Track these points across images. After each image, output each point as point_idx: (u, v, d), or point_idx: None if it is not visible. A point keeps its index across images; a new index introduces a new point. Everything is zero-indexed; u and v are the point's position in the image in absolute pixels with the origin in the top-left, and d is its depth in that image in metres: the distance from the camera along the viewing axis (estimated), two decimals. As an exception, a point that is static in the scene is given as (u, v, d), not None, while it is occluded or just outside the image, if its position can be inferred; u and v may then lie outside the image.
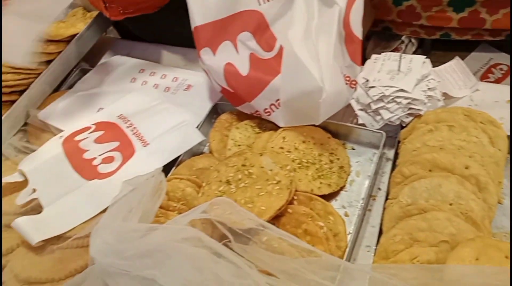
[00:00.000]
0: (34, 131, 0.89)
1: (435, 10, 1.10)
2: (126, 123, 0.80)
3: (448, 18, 1.10)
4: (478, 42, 1.16)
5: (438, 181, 0.57)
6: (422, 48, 1.31)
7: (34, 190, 0.73)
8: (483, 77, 1.00)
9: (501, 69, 1.12)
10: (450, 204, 0.56)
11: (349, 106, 0.73)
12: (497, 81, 1.00)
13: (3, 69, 0.90)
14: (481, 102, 0.74)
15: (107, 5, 0.85)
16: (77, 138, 0.76)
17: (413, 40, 1.25)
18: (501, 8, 1.04)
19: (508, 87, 0.84)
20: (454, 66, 0.78)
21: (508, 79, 1.02)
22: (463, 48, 1.15)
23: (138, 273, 0.47)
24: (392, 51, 1.28)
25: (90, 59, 1.03)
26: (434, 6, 1.10)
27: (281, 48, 0.73)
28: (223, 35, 0.74)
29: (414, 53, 1.27)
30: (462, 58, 0.86)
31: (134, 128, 0.80)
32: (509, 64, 1.13)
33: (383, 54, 0.74)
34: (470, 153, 0.60)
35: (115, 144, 0.78)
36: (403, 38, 1.24)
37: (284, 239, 0.55)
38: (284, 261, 0.50)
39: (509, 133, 0.64)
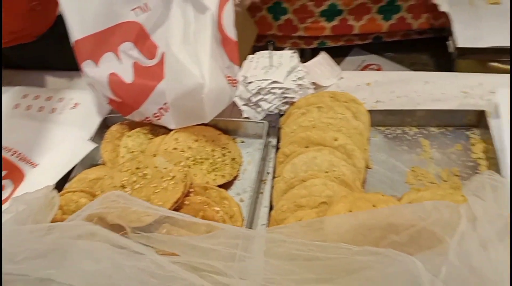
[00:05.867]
0: None
1: (310, 21, 1.22)
2: (9, 152, 0.79)
3: (321, 27, 1.22)
4: (351, 47, 1.30)
5: (313, 154, 0.65)
6: (304, 58, 1.42)
7: None
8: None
9: (372, 69, 1.27)
10: (326, 172, 0.63)
11: (236, 105, 0.78)
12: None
13: None
14: (347, 87, 0.84)
15: None
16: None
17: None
18: (364, 15, 1.18)
19: (367, 72, 0.97)
20: (322, 60, 0.87)
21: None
22: (340, 54, 1.28)
23: (35, 275, 0.47)
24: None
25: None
26: (308, 18, 1.21)
27: (163, 55, 0.76)
28: (105, 46, 0.76)
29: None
30: (338, 63, 0.96)
31: (19, 154, 0.79)
32: (379, 63, 1.29)
33: (256, 53, 0.81)
34: (337, 128, 0.68)
35: (3, 173, 0.76)
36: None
37: (183, 227, 0.58)
38: (183, 239, 0.52)
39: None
